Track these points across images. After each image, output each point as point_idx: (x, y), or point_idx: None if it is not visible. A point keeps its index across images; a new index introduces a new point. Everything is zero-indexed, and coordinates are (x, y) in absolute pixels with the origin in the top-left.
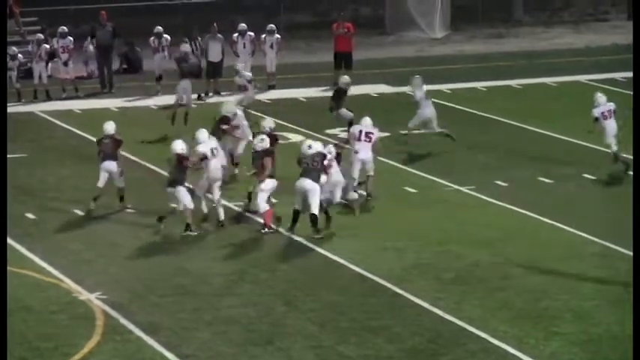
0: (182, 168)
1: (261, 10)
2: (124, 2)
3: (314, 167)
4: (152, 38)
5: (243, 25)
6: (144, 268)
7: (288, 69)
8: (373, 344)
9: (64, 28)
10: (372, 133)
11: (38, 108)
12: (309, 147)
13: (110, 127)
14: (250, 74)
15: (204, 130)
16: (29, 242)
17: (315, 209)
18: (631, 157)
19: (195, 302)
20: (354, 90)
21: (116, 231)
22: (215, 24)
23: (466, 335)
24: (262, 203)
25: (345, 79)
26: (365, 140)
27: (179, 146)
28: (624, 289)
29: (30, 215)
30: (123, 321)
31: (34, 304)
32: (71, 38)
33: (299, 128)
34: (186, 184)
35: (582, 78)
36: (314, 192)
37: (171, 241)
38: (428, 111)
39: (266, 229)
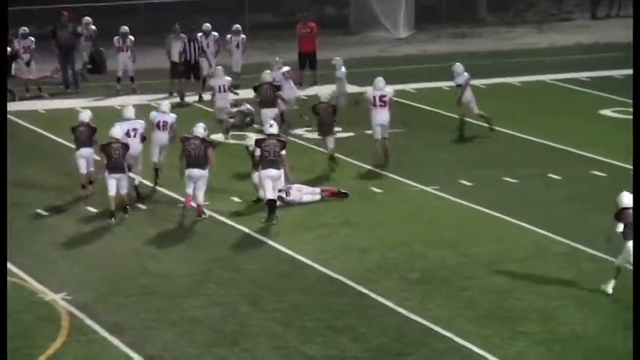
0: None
1: (224, 11)
2: (88, 3)
3: (276, 157)
4: (117, 38)
5: (207, 25)
6: (108, 269)
7: (252, 69)
8: (338, 344)
9: (25, 28)
10: (385, 96)
11: None
12: (271, 126)
13: (85, 115)
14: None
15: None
16: None
17: (276, 195)
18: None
19: (159, 302)
20: (318, 90)
21: (81, 231)
22: (177, 24)
23: (431, 335)
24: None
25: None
26: (380, 105)
27: (117, 133)
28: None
29: None
30: (88, 321)
31: None
32: (32, 39)
33: (261, 128)
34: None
35: (546, 78)
36: (279, 180)
37: (136, 241)
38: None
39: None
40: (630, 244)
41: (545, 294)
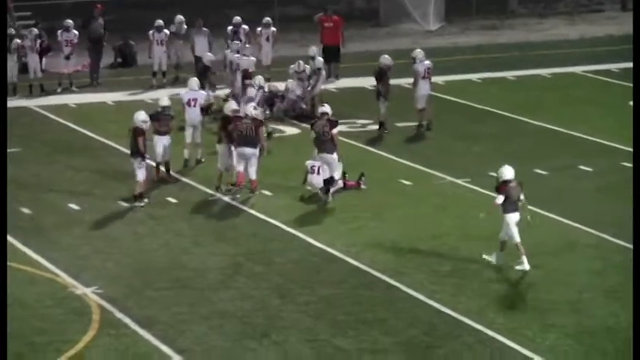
0: (141, 139)
1: (254, 3)
2: None
3: (326, 138)
4: (152, 31)
5: (237, 18)
6: (139, 262)
7: (281, 62)
8: (369, 337)
9: (69, 21)
10: (430, 67)
11: (33, 102)
12: (324, 105)
13: (165, 100)
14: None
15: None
16: (24, 237)
17: (335, 174)
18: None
19: (190, 296)
20: (349, 82)
21: (112, 225)
22: (200, 19)
23: (462, 327)
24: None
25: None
26: (426, 76)
27: (141, 118)
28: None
29: (25, 210)
30: (118, 315)
31: (29, 299)
32: (75, 32)
33: (294, 121)
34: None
35: (577, 69)
36: (334, 161)
37: (167, 235)
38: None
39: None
40: (508, 217)
41: (576, 286)
